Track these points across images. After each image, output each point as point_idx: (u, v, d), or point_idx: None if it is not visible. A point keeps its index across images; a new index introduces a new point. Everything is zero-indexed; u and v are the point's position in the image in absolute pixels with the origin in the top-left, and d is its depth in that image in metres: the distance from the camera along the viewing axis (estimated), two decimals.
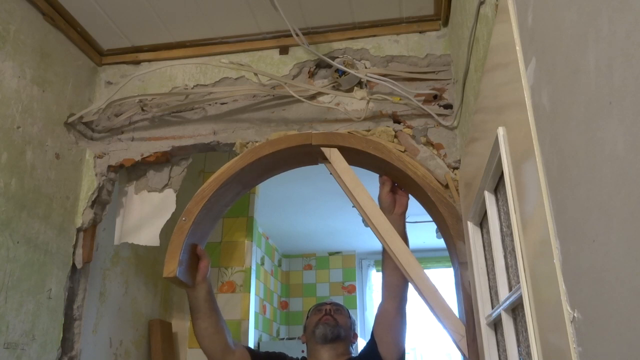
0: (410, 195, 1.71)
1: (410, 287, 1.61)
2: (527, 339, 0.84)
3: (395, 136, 1.67)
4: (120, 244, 1.93)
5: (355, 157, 1.68)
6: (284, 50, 1.87)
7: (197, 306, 1.71)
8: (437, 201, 1.53)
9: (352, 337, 1.96)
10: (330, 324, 1.87)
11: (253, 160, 1.69)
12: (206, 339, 1.71)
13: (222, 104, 1.83)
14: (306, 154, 1.72)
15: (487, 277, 1.20)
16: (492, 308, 1.14)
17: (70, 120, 1.76)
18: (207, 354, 1.74)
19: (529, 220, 0.75)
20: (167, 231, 1.90)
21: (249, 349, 1.84)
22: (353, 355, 1.90)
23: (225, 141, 1.79)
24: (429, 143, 1.65)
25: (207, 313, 1.71)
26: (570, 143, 0.57)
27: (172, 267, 1.60)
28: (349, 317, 1.97)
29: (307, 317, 2.02)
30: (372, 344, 1.78)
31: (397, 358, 1.74)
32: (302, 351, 2.02)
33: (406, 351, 1.79)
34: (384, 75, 1.68)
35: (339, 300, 4.81)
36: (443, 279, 4.07)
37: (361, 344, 2.30)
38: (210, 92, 1.81)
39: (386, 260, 1.71)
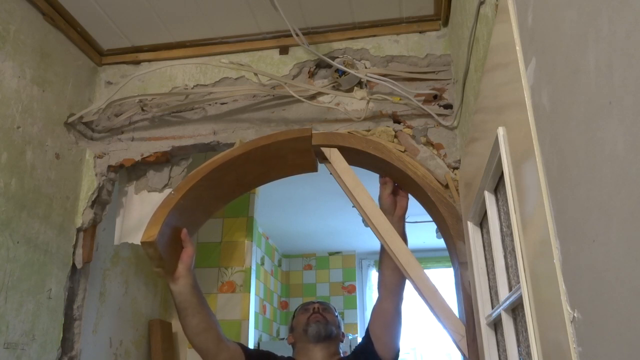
0: (410, 195, 1.71)
1: (408, 285, 1.61)
2: (527, 339, 0.84)
3: (395, 136, 1.67)
4: (120, 244, 1.93)
5: (355, 157, 1.68)
6: (284, 50, 1.87)
7: (182, 302, 1.57)
8: (437, 201, 1.53)
9: (341, 336, 1.94)
10: (322, 322, 1.84)
11: (250, 150, 1.63)
12: (198, 336, 1.59)
13: (222, 104, 1.83)
14: (305, 153, 1.69)
15: (487, 277, 1.20)
16: (492, 308, 1.14)
17: (70, 120, 1.77)
18: (201, 352, 1.62)
19: (529, 220, 0.75)
20: None
21: (241, 345, 1.75)
22: (342, 355, 1.88)
23: (225, 141, 1.78)
24: (429, 143, 1.65)
25: (196, 309, 1.58)
26: (570, 143, 0.57)
27: (153, 231, 1.42)
28: (336, 315, 1.95)
29: (294, 317, 1.97)
30: (367, 342, 1.78)
31: (393, 355, 1.75)
32: None
33: (404, 350, 1.79)
34: (384, 75, 1.68)
35: (339, 300, 4.83)
36: (443, 279, 4.07)
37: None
38: (210, 92, 1.81)
39: (384, 259, 1.71)
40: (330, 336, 1.84)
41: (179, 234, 1.60)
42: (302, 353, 1.85)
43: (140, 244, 1.47)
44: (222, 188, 1.73)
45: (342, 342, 1.94)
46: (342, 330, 1.97)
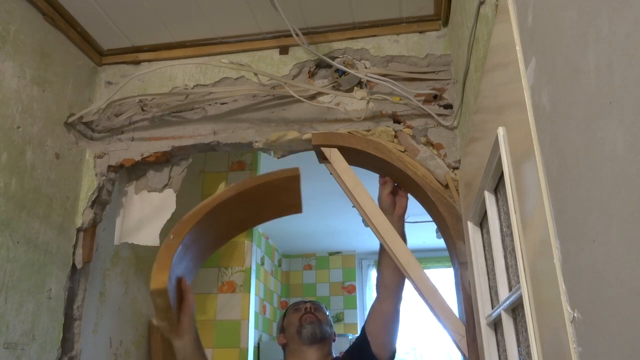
0: (410, 195, 1.71)
1: (408, 285, 1.61)
2: (527, 339, 0.84)
3: (395, 136, 1.67)
4: (120, 244, 1.93)
5: (355, 157, 1.68)
6: (284, 50, 1.87)
7: (185, 359, 1.42)
8: (437, 201, 1.53)
9: (333, 336, 1.92)
10: (316, 322, 1.82)
11: (241, 191, 1.57)
12: None
13: (222, 104, 1.83)
14: (293, 193, 1.64)
15: (487, 277, 1.20)
16: (492, 308, 1.14)
17: (70, 120, 1.77)
18: None
19: (529, 220, 0.75)
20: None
21: None
22: (335, 355, 1.87)
23: (225, 141, 1.79)
24: (429, 143, 1.65)
25: None
26: (570, 143, 0.57)
27: (162, 277, 1.30)
28: (328, 315, 1.93)
29: (284, 316, 1.93)
30: (363, 342, 1.76)
31: (390, 355, 1.74)
32: None
33: (404, 350, 1.77)
34: (384, 75, 1.68)
35: (339, 300, 4.83)
36: (443, 279, 4.07)
37: None
38: (210, 92, 1.81)
39: (384, 260, 1.71)
40: (325, 337, 1.82)
41: (179, 283, 1.46)
42: (295, 355, 1.82)
43: (150, 290, 1.33)
44: (216, 232, 1.65)
45: (334, 341, 1.91)
46: (333, 329, 1.94)
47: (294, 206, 1.71)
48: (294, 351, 1.83)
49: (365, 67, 1.78)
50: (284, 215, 1.77)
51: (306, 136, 1.70)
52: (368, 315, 1.82)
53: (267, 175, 1.62)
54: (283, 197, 1.67)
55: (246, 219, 1.73)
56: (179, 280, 1.44)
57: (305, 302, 1.93)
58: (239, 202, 1.60)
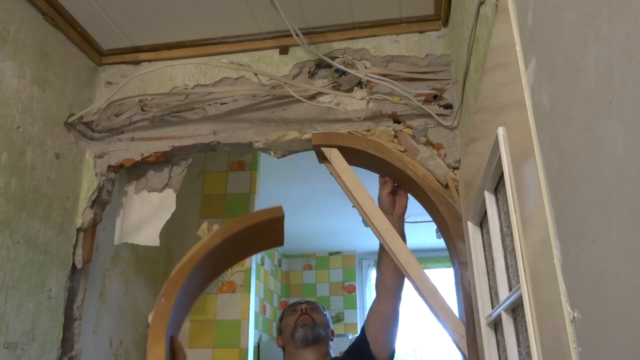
0: (410, 195, 1.71)
1: (407, 285, 1.61)
2: (527, 339, 0.84)
3: (395, 136, 1.67)
4: (120, 244, 1.93)
5: (355, 157, 1.68)
6: (284, 50, 1.87)
7: None
8: (437, 201, 1.53)
9: (331, 335, 1.92)
10: (309, 324, 1.82)
11: (227, 236, 1.50)
12: None
13: (222, 104, 1.83)
14: (277, 230, 1.63)
15: (487, 277, 1.20)
16: (492, 308, 1.14)
17: (70, 120, 1.76)
18: None
19: (529, 220, 0.75)
20: (167, 231, 1.90)
21: None
22: (333, 355, 1.87)
23: (225, 141, 1.78)
24: (429, 143, 1.65)
25: None
26: (570, 143, 0.57)
27: (161, 351, 1.27)
28: (325, 314, 1.93)
29: (281, 319, 1.94)
30: (363, 342, 1.76)
31: (389, 355, 1.74)
32: None
33: (404, 350, 1.77)
34: (384, 75, 1.68)
35: (339, 300, 4.83)
36: (443, 279, 4.06)
37: None
38: (210, 92, 1.81)
39: (384, 260, 1.71)
40: (319, 338, 1.82)
41: (170, 342, 1.40)
42: (293, 357, 1.83)
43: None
44: (200, 279, 1.60)
45: (332, 340, 1.91)
46: (331, 327, 1.94)
47: (277, 241, 1.71)
48: (291, 353, 1.84)
49: (365, 67, 1.77)
50: (265, 250, 1.75)
51: (306, 136, 1.70)
52: (367, 316, 1.82)
53: (252, 217, 1.58)
54: (267, 235, 1.65)
55: (230, 259, 1.72)
56: (171, 340, 1.39)
57: (302, 302, 1.93)
58: (224, 246, 1.57)
